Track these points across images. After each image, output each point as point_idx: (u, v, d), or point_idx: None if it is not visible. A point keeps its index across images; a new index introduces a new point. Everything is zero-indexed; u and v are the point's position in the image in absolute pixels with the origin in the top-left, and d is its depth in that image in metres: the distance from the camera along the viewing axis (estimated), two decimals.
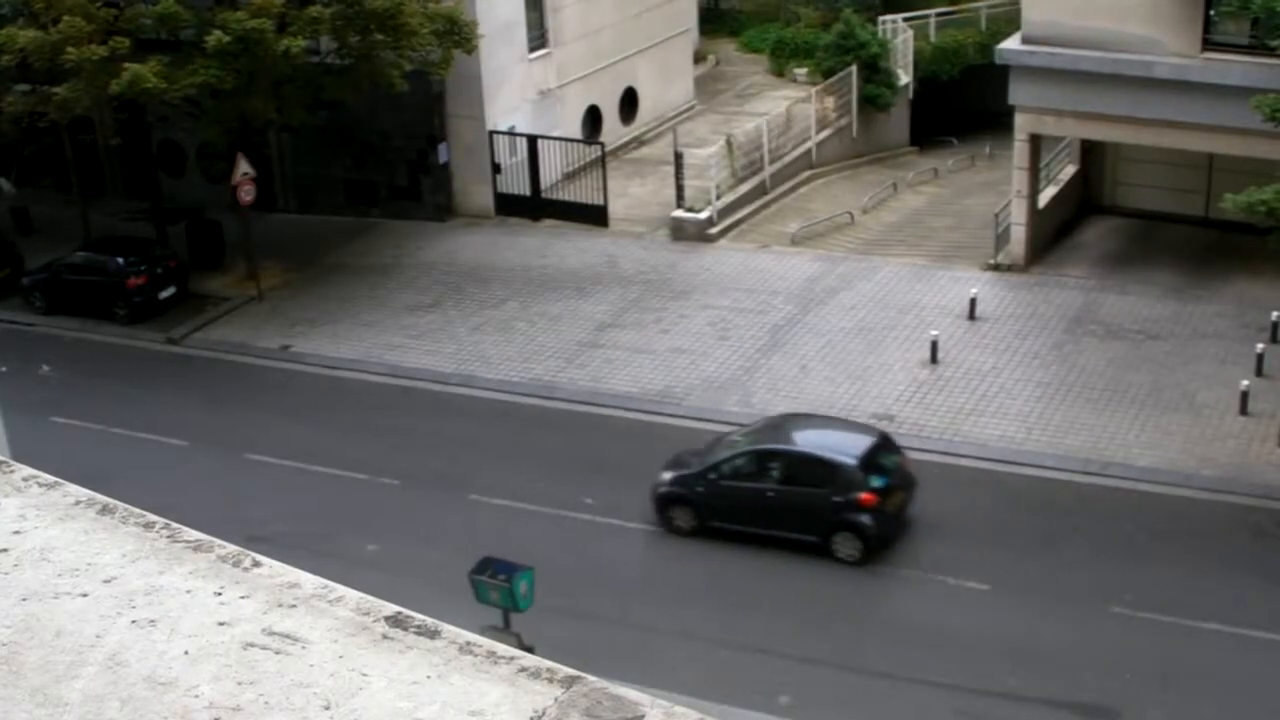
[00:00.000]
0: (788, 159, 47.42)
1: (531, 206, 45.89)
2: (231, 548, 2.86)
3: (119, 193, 49.95)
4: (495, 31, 43.99)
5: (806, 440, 29.84)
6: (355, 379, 37.20)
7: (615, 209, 44.95)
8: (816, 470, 28.58)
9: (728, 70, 58.51)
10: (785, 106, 48.80)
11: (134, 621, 2.69)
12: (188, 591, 2.75)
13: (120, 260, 41.68)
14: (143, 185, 47.67)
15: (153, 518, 2.95)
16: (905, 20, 54.31)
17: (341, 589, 2.73)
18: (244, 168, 40.91)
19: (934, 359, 35.17)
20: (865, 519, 27.87)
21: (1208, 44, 35.71)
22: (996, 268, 40.12)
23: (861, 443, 28.82)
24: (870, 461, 28.26)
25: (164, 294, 41.76)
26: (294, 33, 38.35)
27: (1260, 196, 30.04)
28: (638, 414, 34.38)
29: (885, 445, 29.05)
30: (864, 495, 27.79)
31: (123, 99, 39.13)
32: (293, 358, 38.60)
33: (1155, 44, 36.03)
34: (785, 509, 28.38)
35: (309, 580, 2.76)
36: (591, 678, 2.48)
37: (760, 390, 34.63)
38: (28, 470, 3.14)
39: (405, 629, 2.63)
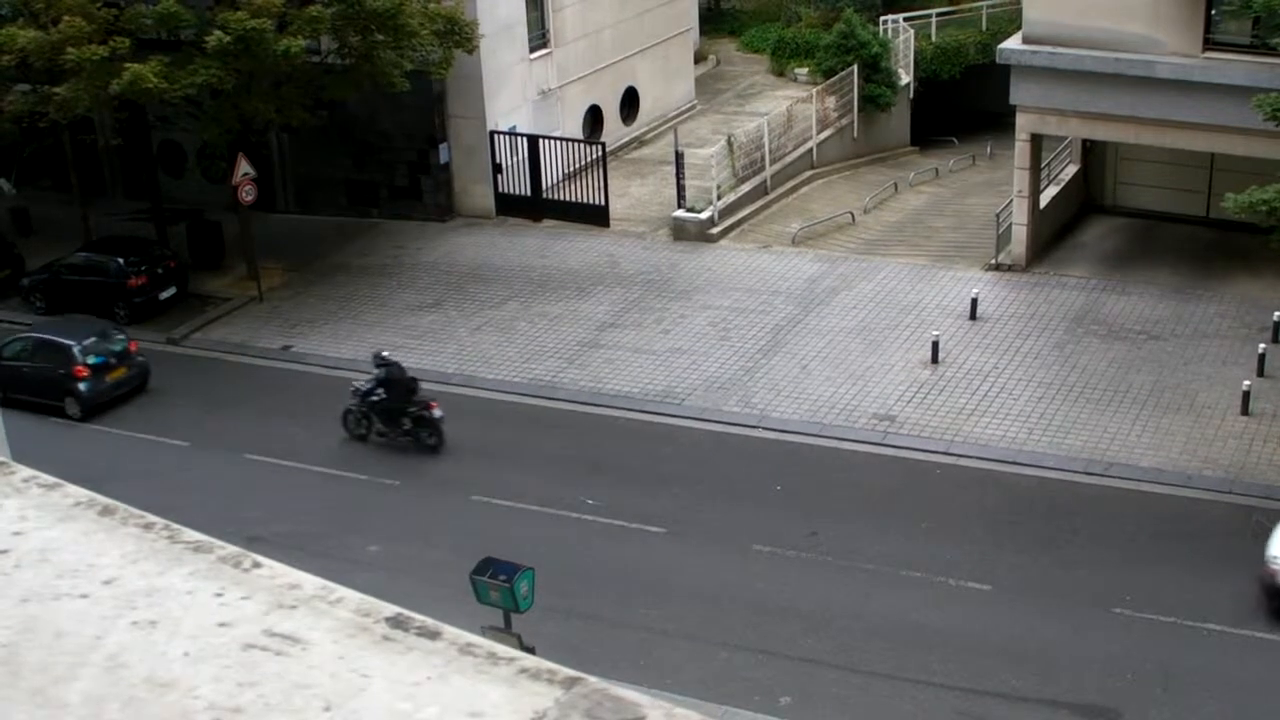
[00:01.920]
0: (789, 159, 47.45)
1: (532, 206, 45.92)
2: (232, 549, 2.86)
3: (119, 193, 50.00)
4: (496, 31, 44.03)
5: (53, 330, 38.30)
6: (356, 379, 37.18)
7: (616, 209, 44.97)
8: (52, 351, 37.00)
9: (728, 70, 58.55)
10: (786, 106, 48.83)
11: (134, 623, 2.68)
12: (188, 592, 2.74)
13: (120, 261, 41.71)
14: (143, 186, 47.68)
15: (153, 519, 2.94)
16: (906, 20, 54.40)
17: (342, 590, 2.73)
18: (244, 168, 40.93)
19: (935, 359, 35.17)
20: (81, 387, 36.30)
21: (1209, 43, 35.72)
22: (998, 268, 40.13)
23: (90, 332, 37.40)
24: (90, 345, 36.74)
25: (164, 294, 41.80)
26: (294, 32, 38.38)
27: (1261, 196, 30.05)
28: (638, 414, 34.39)
29: (113, 335, 37.71)
30: (76, 369, 36.26)
31: (123, 99, 39.13)
32: (293, 358, 38.62)
33: (1157, 44, 36.04)
34: (37, 380, 36.79)
35: (310, 581, 2.75)
36: (592, 679, 2.47)
37: (761, 390, 34.62)
38: (28, 471, 3.14)
39: (406, 630, 2.62)
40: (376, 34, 39.53)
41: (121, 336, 37.93)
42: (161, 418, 35.99)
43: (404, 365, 34.06)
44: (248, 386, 37.67)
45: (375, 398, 33.36)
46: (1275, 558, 26.45)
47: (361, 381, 33.88)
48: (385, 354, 34.00)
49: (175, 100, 39.21)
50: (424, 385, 36.44)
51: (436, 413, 32.97)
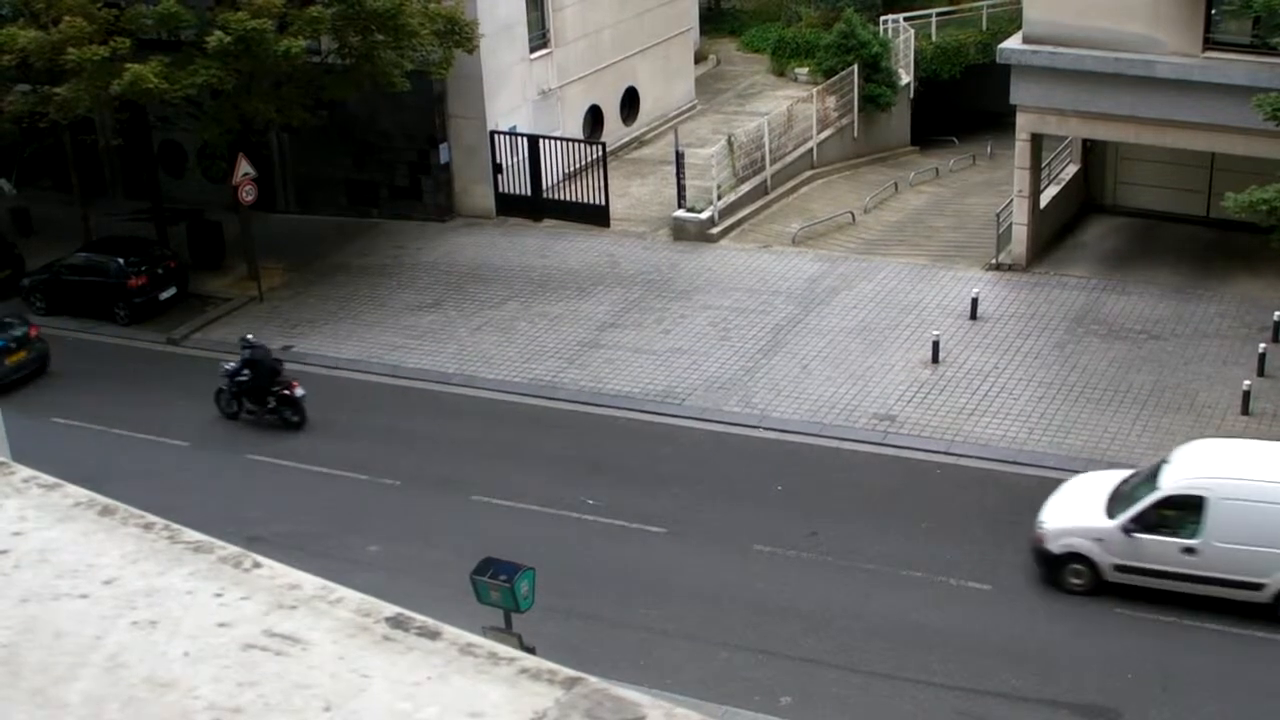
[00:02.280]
0: (789, 159, 47.45)
1: (532, 207, 45.92)
2: (232, 549, 2.86)
3: (119, 193, 49.98)
4: (496, 31, 44.02)
5: None
6: (356, 379, 37.21)
7: (616, 209, 44.98)
8: None
9: (729, 70, 58.55)
10: (786, 106, 48.82)
11: (134, 623, 2.68)
12: (188, 593, 2.74)
13: (121, 261, 41.70)
14: (143, 186, 47.67)
15: (153, 519, 2.95)
16: (906, 20, 54.41)
17: (342, 590, 2.73)
18: (245, 168, 40.93)
19: (935, 359, 35.17)
20: None
21: (1209, 43, 35.71)
22: (998, 267, 40.12)
23: None
24: None
25: (164, 294, 41.78)
26: (294, 33, 38.39)
27: (1261, 195, 30.06)
28: (638, 414, 34.38)
29: (13, 321, 39.01)
30: None
31: (123, 99, 39.13)
32: (293, 358, 38.55)
33: (1157, 43, 36.03)
34: None
35: (310, 581, 2.75)
36: (593, 679, 2.47)
37: (761, 390, 34.62)
38: (28, 471, 3.14)
39: (406, 630, 2.62)
40: (377, 34, 39.53)
41: (22, 323, 39.31)
42: (161, 418, 35.98)
43: (269, 348, 36.04)
44: None
45: (242, 378, 35.11)
46: (1043, 523, 27.15)
47: (230, 364, 35.66)
48: (250, 338, 35.93)
49: (176, 101, 39.21)
50: (420, 385, 36.53)
51: (299, 392, 34.79)
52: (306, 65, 39.87)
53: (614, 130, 50.63)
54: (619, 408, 34.71)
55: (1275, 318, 34.91)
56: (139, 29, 39.42)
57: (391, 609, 2.68)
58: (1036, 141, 39.31)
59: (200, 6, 39.45)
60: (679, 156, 44.29)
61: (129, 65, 37.43)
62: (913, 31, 53.94)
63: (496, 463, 32.75)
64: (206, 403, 36.66)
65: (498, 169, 45.83)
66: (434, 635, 2.60)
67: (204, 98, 40.24)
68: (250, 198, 41.29)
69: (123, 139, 45.27)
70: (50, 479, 3.11)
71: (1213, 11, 35.55)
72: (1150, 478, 26.98)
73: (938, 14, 56.14)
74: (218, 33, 37.35)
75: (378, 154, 46.36)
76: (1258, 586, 25.79)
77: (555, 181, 45.69)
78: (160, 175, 47.48)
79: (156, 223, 45.19)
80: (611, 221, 44.75)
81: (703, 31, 60.15)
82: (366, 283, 42.50)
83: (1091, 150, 43.22)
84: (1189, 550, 25.95)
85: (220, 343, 39.98)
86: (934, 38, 55.16)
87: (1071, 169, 43.59)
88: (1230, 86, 34.50)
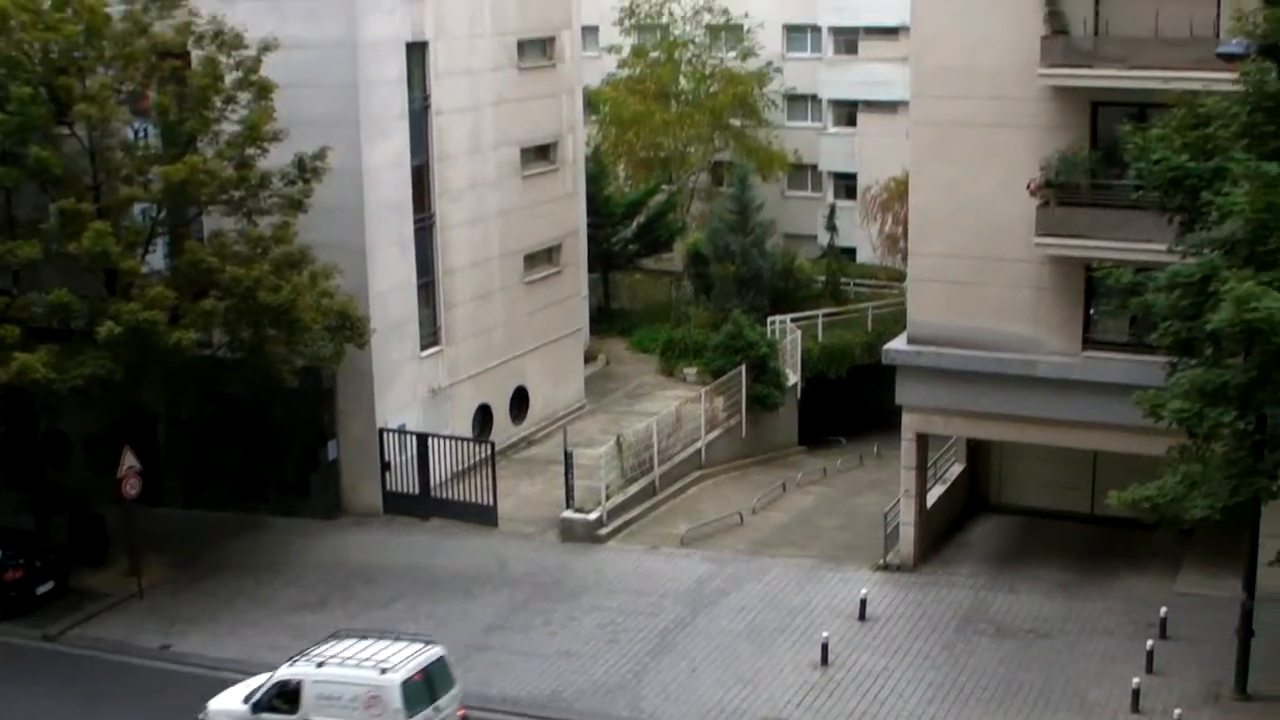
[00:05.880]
0: (677, 459, 47.68)
1: (421, 505, 45.66)
2: None
3: (1, 482, 49.10)
4: (387, 328, 44.30)
5: None
6: (238, 680, 36.28)
7: (505, 508, 44.86)
8: None
9: (618, 370, 59.19)
10: (675, 406, 49.26)
11: None
12: None
13: None
14: (26, 475, 46.85)
15: None
16: (793, 320, 55.41)
17: None
18: (130, 460, 40.44)
19: (825, 660, 34.87)
20: None
21: (1088, 342, 36.56)
22: (886, 567, 40.17)
23: None
24: None
25: (42, 589, 40.79)
26: (186, 325, 38.35)
27: (1144, 492, 30.29)
28: (525, 718, 33.67)
29: None
30: None
31: (9, 388, 38.71)
32: (173, 658, 37.66)
33: (1038, 343, 36.82)
34: None
35: None
36: None
37: (650, 694, 34.08)
38: None
39: None
40: (269, 328, 39.60)
41: None
42: (32, 716, 34.87)
43: None
44: (125, 687, 36.58)
45: None
46: None
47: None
48: None
49: (63, 390, 38.77)
50: None
51: None
52: (197, 357, 39.77)
53: (503, 429, 50.76)
54: (505, 711, 33.91)
55: (1162, 614, 35.05)
56: (29, 317, 39.29)
57: None
58: (922, 441, 39.74)
59: (92, 296, 39.43)
60: (568, 456, 44.38)
61: (16, 354, 37.18)
62: (800, 332, 54.97)
63: None
64: (82, 701, 35.65)
65: (386, 466, 45.65)
66: None
67: (93, 388, 39.86)
68: (134, 491, 40.75)
69: (6, 426, 44.68)
70: None
71: (1091, 312, 36.45)
72: None
73: (824, 315, 57.32)
74: (109, 323, 37.27)
75: (266, 448, 46.03)
76: None
77: (444, 480, 45.55)
78: (44, 465, 46.76)
79: (37, 514, 44.44)
80: (500, 521, 44.57)
81: (593, 331, 60.97)
82: (251, 580, 41.82)
83: (977, 449, 43.75)
84: None
85: (98, 640, 39.02)
86: (820, 338, 56.17)
87: (957, 468, 44.06)
88: (1109, 385, 35.17)
